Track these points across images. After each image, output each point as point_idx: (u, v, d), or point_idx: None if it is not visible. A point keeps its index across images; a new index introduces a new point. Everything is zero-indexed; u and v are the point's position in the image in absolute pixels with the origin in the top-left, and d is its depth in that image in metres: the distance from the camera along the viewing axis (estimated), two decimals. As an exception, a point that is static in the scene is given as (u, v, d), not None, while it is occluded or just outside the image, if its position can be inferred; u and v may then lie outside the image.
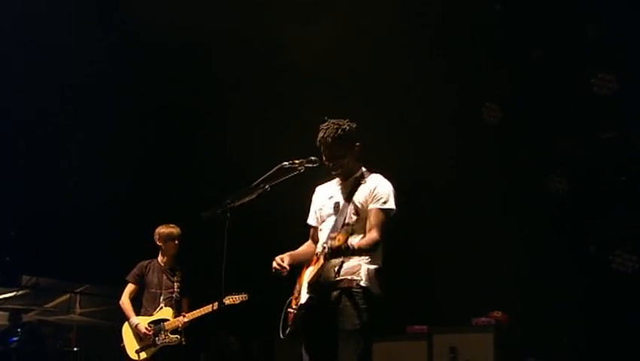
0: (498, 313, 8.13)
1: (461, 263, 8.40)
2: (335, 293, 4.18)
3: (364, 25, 8.20)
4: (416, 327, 8.40)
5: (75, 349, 8.63)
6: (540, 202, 8.75)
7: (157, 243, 6.79)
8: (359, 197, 4.32)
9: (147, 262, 6.80)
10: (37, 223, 9.13)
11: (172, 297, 6.58)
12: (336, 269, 4.18)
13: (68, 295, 9.54)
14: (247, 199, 4.21)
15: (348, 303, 4.15)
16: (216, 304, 5.99)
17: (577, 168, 8.72)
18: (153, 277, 6.68)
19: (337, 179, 4.53)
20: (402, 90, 8.60)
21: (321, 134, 4.31)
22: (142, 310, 6.63)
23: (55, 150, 8.99)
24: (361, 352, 4.11)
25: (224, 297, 5.97)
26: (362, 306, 4.15)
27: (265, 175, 4.22)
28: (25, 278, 9.09)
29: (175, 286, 6.60)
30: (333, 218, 4.38)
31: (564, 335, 7.90)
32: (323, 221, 4.48)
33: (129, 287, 6.74)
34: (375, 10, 8.06)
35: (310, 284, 4.18)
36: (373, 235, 4.18)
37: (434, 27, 8.31)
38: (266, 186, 4.21)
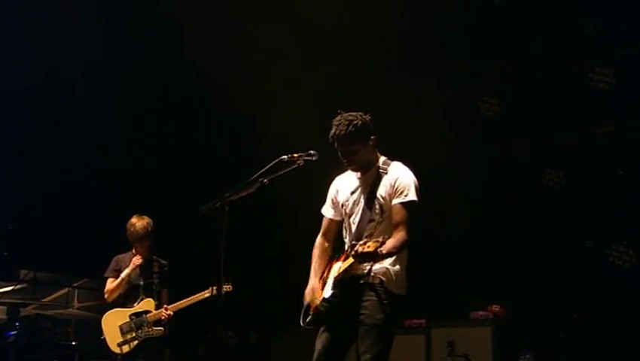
0: (496, 307, 8.16)
1: (460, 257, 8.42)
2: (359, 287, 4.20)
3: (363, 16, 8.23)
4: (414, 321, 8.44)
5: (73, 343, 8.59)
6: (537, 196, 8.77)
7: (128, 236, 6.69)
8: (382, 191, 4.28)
9: (122, 255, 6.70)
10: (35, 217, 9.12)
11: (152, 288, 6.48)
12: (365, 271, 4.19)
13: (66, 290, 9.53)
14: (245, 193, 4.20)
15: (371, 298, 4.17)
16: (200, 295, 6.25)
17: (574, 163, 8.74)
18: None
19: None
20: (399, 84, 8.63)
21: (333, 131, 4.26)
22: (122, 302, 6.50)
23: (53, 143, 8.95)
24: (381, 346, 4.13)
25: (212, 287, 5.49)
26: (384, 302, 4.16)
27: (264, 169, 4.21)
28: (23, 272, 9.09)
29: (154, 277, 6.52)
30: (357, 213, 4.36)
31: (560, 330, 7.92)
32: (349, 215, 4.44)
33: (109, 282, 6.59)
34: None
35: (337, 280, 4.19)
36: (400, 235, 4.14)
37: (431, 20, 8.30)
38: (265, 180, 4.20)
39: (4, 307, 8.51)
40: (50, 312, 8.90)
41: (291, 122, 8.01)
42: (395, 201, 4.23)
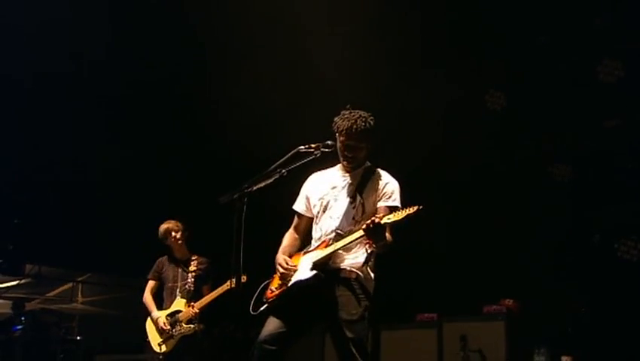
0: (509, 301, 8.11)
1: (472, 251, 8.37)
2: (333, 280, 4.21)
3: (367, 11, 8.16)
4: (426, 315, 8.39)
5: (78, 338, 8.58)
6: (545, 190, 8.73)
7: (162, 241, 7.06)
8: (368, 191, 4.33)
9: (163, 258, 7.07)
10: (40, 211, 9.08)
11: (186, 288, 6.78)
12: (341, 266, 4.22)
13: (70, 284, 9.51)
14: (263, 184, 4.17)
15: (345, 292, 4.18)
16: (220, 289, 6.52)
17: (581, 156, 8.70)
18: (169, 273, 6.97)
19: (337, 168, 4.52)
20: (404, 78, 8.57)
21: (346, 124, 4.24)
22: (163, 304, 6.90)
23: (57, 137, 8.89)
24: (357, 341, 4.11)
25: (230, 280, 6.14)
26: (360, 296, 4.18)
27: (281, 160, 4.18)
28: (28, 267, 9.07)
29: (189, 277, 6.80)
30: (339, 207, 4.35)
31: (569, 324, 7.88)
32: (323, 210, 4.44)
33: (150, 284, 7.03)
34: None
35: (317, 264, 4.18)
36: (388, 236, 4.12)
37: (437, 13, 8.25)
38: (283, 171, 4.18)
39: (9, 302, 8.47)
40: (54, 307, 8.86)
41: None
42: (382, 204, 4.28)
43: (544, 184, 8.71)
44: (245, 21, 7.94)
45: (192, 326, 6.61)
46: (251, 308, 4.35)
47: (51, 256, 9.09)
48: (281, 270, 4.34)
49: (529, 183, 8.68)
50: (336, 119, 4.34)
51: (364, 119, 4.25)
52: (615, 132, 8.49)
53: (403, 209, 3.91)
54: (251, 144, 8.59)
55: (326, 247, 4.23)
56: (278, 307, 4.27)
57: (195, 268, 6.86)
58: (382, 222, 3.86)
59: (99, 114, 8.91)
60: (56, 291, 9.46)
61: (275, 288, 4.35)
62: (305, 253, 4.42)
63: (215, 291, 6.58)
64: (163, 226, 7.03)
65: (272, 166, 4.19)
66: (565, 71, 8.40)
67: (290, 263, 4.36)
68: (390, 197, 4.29)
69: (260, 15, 7.84)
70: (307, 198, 4.59)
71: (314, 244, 4.44)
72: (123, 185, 9.66)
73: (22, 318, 8.08)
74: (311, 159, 4.25)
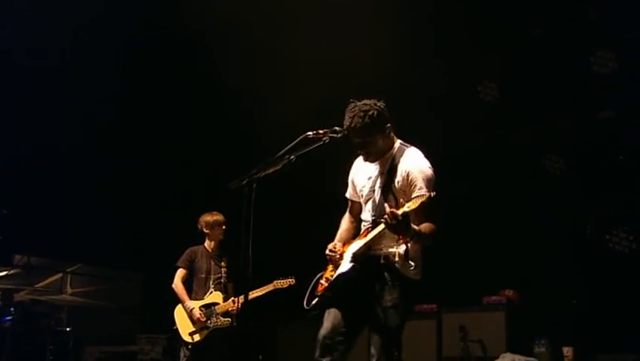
0: (509, 292, 8.12)
1: (472, 241, 8.35)
2: (376, 267, 4.17)
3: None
4: (426, 306, 8.38)
5: (68, 329, 8.47)
6: (538, 181, 8.74)
7: (204, 230, 7.13)
8: (397, 181, 4.20)
9: (196, 248, 7.16)
10: (29, 202, 8.97)
11: (220, 282, 6.95)
12: (384, 252, 4.16)
13: (59, 275, 9.39)
14: (272, 170, 4.12)
15: (387, 279, 4.15)
16: (268, 287, 6.74)
17: (575, 148, 8.71)
18: (202, 263, 7.05)
19: None
20: (397, 68, 8.54)
21: (347, 123, 4.16)
22: (193, 294, 6.98)
23: (46, 127, 8.79)
24: (395, 327, 4.11)
25: (284, 280, 6.69)
26: (395, 283, 4.15)
27: (289, 146, 4.12)
28: (17, 257, 8.95)
29: (223, 272, 6.96)
30: (374, 198, 4.31)
31: (566, 315, 7.89)
32: (365, 201, 4.41)
33: (180, 272, 7.07)
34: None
35: (355, 255, 4.17)
36: (429, 224, 4.07)
37: (432, 3, 8.23)
38: (292, 157, 4.13)
39: (-1, 293, 8.35)
40: (42, 298, 8.73)
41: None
42: (413, 195, 4.11)
43: (537, 176, 8.71)
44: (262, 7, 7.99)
45: (229, 319, 6.75)
46: (305, 303, 4.33)
47: (40, 246, 8.97)
48: (329, 253, 4.36)
49: (523, 175, 8.68)
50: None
51: (362, 114, 4.13)
52: (608, 124, 8.51)
53: (422, 196, 3.83)
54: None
55: (366, 235, 4.22)
56: (329, 300, 4.25)
57: (227, 264, 7.00)
58: (400, 212, 3.78)
59: (95, 103, 8.80)
60: (45, 282, 9.31)
61: (325, 281, 4.32)
62: (349, 243, 4.40)
63: (262, 288, 6.72)
64: (214, 217, 7.09)
65: (281, 152, 4.13)
66: (560, 63, 8.40)
67: (337, 247, 4.35)
68: (415, 186, 4.12)
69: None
70: (353, 185, 4.58)
71: (362, 229, 4.42)
72: (113, 176, 9.58)
73: (12, 309, 7.95)
74: (319, 145, 4.17)
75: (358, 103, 4.22)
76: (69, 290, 9.56)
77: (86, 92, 8.76)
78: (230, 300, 6.76)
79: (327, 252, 4.36)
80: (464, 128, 8.80)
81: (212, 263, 7.04)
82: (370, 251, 4.18)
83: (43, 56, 8.17)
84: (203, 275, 6.99)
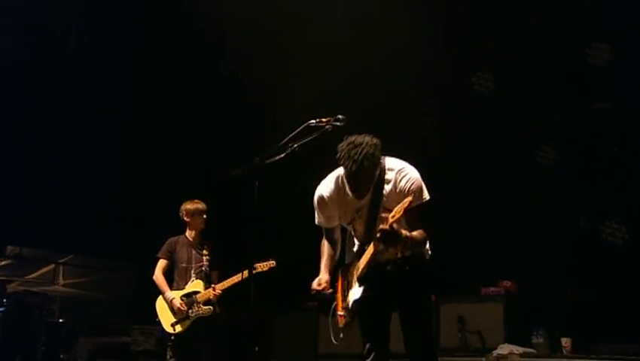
0: (507, 283, 8.11)
1: (470, 232, 8.34)
2: (387, 273, 4.20)
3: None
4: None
5: (60, 320, 8.42)
6: (532, 173, 8.73)
7: (185, 219, 6.96)
8: (387, 199, 4.09)
9: (176, 238, 6.99)
10: (21, 192, 8.90)
11: (202, 270, 6.79)
12: (391, 257, 4.17)
13: (52, 266, 9.34)
14: (275, 158, 4.08)
15: (407, 279, 4.19)
16: (246, 272, 6.29)
17: (569, 139, 8.71)
18: (182, 253, 6.89)
19: (344, 183, 4.19)
20: (393, 59, 8.52)
21: (353, 167, 3.91)
22: (174, 284, 6.83)
23: (39, 117, 8.72)
24: (429, 325, 4.28)
25: (254, 263, 6.24)
26: (419, 278, 4.23)
27: (292, 134, 4.08)
28: (9, 248, 8.91)
29: (204, 260, 6.81)
30: (365, 222, 4.21)
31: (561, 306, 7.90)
32: (355, 221, 4.29)
33: (161, 263, 6.90)
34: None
35: (360, 279, 4.13)
36: (421, 231, 4.06)
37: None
38: (295, 145, 4.08)
39: (-10, 284, 8.29)
40: (35, 289, 8.67)
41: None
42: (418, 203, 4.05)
43: (533, 167, 8.71)
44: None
45: (210, 307, 6.63)
46: (333, 340, 4.26)
47: (32, 237, 8.92)
48: (316, 289, 4.35)
49: (520, 166, 8.68)
50: (340, 147, 4.02)
51: (362, 157, 3.91)
52: (602, 115, 8.51)
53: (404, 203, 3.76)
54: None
55: (359, 257, 4.18)
56: (355, 322, 4.24)
57: (209, 252, 6.85)
58: (387, 226, 3.75)
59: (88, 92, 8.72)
60: (37, 273, 9.27)
61: (341, 313, 4.27)
62: (343, 273, 4.40)
63: (240, 274, 6.51)
64: (195, 205, 6.91)
65: (283, 140, 4.09)
66: (555, 54, 8.40)
67: (322, 283, 4.34)
68: (405, 195, 3.93)
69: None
70: (329, 215, 4.37)
71: (352, 249, 4.40)
72: (106, 166, 9.52)
73: (4, 300, 7.89)
74: (322, 133, 4.13)
75: (353, 141, 4.00)
76: (61, 281, 9.53)
77: (83, 84, 8.66)
78: (210, 288, 6.65)
79: (313, 292, 4.34)
80: (460, 119, 8.77)
81: (193, 252, 6.87)
82: (372, 263, 4.08)
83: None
84: (184, 265, 6.82)
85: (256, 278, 6.24)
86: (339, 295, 4.36)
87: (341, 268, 4.45)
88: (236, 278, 6.56)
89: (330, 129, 4.14)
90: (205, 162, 9.81)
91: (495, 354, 7.38)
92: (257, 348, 8.99)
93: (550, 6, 8.33)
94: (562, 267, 7.97)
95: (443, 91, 8.78)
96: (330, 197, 4.28)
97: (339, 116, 4.15)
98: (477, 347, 7.74)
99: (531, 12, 8.51)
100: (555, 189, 8.48)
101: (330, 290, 4.34)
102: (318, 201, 4.34)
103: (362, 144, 3.95)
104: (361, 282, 4.12)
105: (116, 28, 8.64)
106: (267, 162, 4.06)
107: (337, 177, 4.24)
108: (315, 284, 4.37)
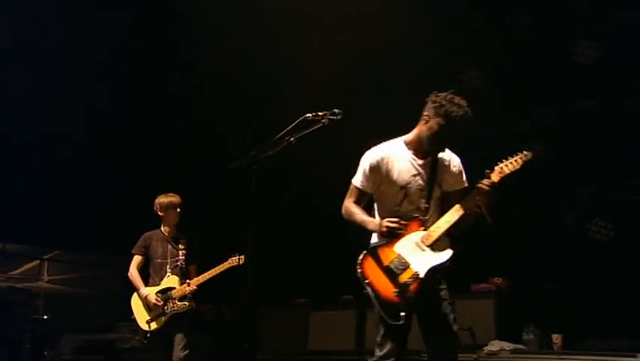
0: (498, 280, 8.12)
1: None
2: None
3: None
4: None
5: (45, 317, 8.37)
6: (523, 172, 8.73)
7: (158, 213, 6.76)
8: (446, 180, 4.34)
9: (150, 233, 6.79)
10: (5, 187, 8.83)
11: (177, 265, 6.60)
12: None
13: (36, 262, 9.27)
14: (272, 152, 4.06)
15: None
16: (224, 265, 6.43)
17: (555, 137, 8.75)
18: (157, 248, 6.69)
19: (406, 149, 4.34)
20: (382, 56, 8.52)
21: (463, 115, 4.13)
22: (150, 280, 6.65)
23: (25, 111, 8.65)
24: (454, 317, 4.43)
25: (233, 257, 6.35)
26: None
27: (288, 127, 4.07)
28: (-7, 244, 8.86)
29: (180, 255, 6.62)
30: (420, 192, 4.29)
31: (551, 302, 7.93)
32: (409, 189, 4.31)
33: (136, 259, 6.72)
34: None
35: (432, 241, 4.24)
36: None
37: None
38: (291, 139, 4.07)
39: (-26, 281, 8.24)
40: (19, 285, 8.61)
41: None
42: (462, 187, 4.38)
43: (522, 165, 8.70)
44: None
45: (185, 303, 6.45)
46: (390, 319, 4.11)
47: (17, 232, 8.83)
48: (394, 226, 4.17)
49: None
50: (443, 101, 4.16)
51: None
52: (588, 112, 8.55)
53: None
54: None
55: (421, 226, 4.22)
56: (412, 305, 4.18)
57: (185, 246, 6.65)
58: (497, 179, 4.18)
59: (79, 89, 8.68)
60: (22, 269, 9.20)
61: (396, 291, 4.12)
62: (398, 238, 4.23)
63: (216, 268, 6.44)
64: (168, 199, 6.71)
65: (280, 134, 4.08)
66: (541, 51, 8.42)
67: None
68: (464, 177, 4.41)
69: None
70: (374, 182, 4.37)
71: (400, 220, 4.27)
72: (91, 161, 9.44)
73: (-11, 297, 7.84)
74: (318, 127, 4.12)
75: (457, 96, 4.19)
76: (46, 277, 9.47)
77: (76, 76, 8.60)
78: (185, 284, 6.48)
79: (393, 225, 4.14)
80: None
81: (169, 247, 6.66)
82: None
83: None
84: (159, 260, 6.63)
85: (230, 273, 6.37)
86: (381, 277, 4.18)
87: (368, 250, 4.28)
88: (211, 273, 6.46)
89: (326, 123, 4.15)
90: (195, 155, 9.74)
91: (485, 351, 7.40)
92: (245, 345, 9.05)
93: (537, 4, 8.34)
94: (551, 264, 8.00)
95: (433, 87, 8.75)
96: (393, 155, 4.32)
97: (336, 110, 4.18)
98: (468, 344, 7.70)
99: (519, 9, 8.50)
100: (543, 186, 8.51)
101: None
102: (375, 162, 4.33)
103: (461, 98, 4.19)
104: (434, 248, 4.20)
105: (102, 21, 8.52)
106: (263, 155, 4.03)
107: (396, 142, 4.39)
108: (388, 222, 4.17)
